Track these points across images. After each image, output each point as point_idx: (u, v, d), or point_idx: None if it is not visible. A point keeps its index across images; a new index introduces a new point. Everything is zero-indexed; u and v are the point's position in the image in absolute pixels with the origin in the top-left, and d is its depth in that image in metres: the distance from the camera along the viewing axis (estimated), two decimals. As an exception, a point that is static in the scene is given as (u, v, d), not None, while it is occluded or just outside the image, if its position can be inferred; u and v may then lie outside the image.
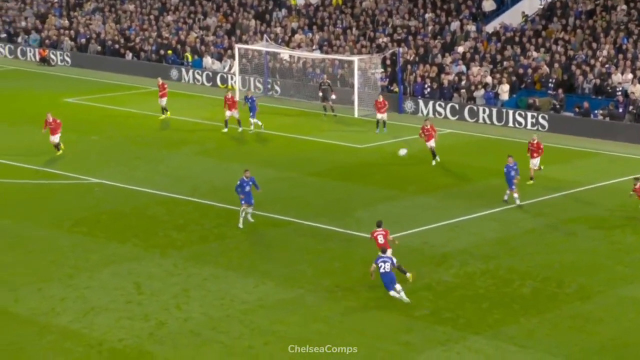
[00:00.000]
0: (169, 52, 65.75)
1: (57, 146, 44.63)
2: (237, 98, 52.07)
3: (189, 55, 65.05)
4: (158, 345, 25.88)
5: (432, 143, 43.03)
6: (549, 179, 40.69)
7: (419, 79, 55.68)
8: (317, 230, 35.25)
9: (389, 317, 27.56)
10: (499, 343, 25.84)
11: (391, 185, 40.56)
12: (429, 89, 55.11)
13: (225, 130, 49.34)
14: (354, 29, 62.60)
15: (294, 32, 64.26)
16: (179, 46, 66.13)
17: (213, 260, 32.08)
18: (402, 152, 36.46)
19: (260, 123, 49.69)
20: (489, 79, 53.93)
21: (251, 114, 49.68)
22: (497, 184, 39.27)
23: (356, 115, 53.74)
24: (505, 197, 37.69)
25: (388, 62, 57.26)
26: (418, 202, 38.41)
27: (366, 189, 40.24)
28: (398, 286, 28.04)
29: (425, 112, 53.65)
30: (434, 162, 43.20)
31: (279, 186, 40.46)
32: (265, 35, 62.47)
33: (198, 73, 63.24)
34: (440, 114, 53.60)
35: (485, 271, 31.06)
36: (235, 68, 59.94)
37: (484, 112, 52.52)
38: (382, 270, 28.24)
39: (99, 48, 69.29)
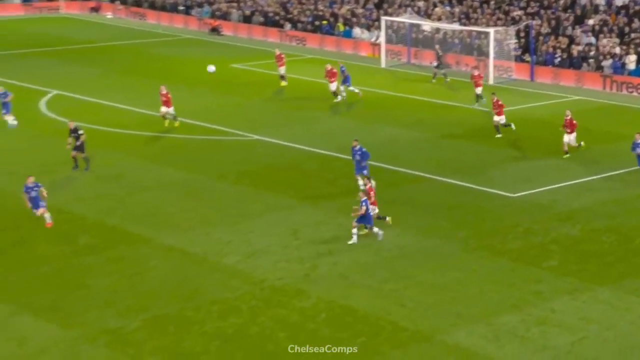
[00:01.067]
0: (324, 22, 65.85)
1: (174, 117, 42.47)
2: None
3: (340, 25, 65.02)
4: (312, 285, 26.16)
5: (500, 118, 40.87)
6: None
7: (550, 50, 54.34)
8: (452, 186, 34.95)
9: (519, 267, 27.18)
10: (623, 294, 25.19)
11: (521, 147, 39.82)
12: (559, 59, 53.74)
13: (338, 99, 47.72)
14: (490, 3, 61.39)
15: (435, 5, 63.43)
16: (331, 18, 66.15)
17: (360, 211, 32.13)
18: (210, 68, 31.77)
19: (357, 90, 48.14)
20: (617, 50, 52.24)
21: (345, 83, 48.00)
22: (621, 148, 38.15)
23: (490, 82, 52.86)
24: None
25: (522, 33, 56.03)
26: (546, 163, 37.62)
27: (497, 149, 39.60)
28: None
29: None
30: (499, 135, 40.95)
31: (418, 146, 40.25)
32: (409, 9, 61.91)
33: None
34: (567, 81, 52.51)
35: (609, 228, 30.27)
36: (382, 38, 59.63)
37: (610, 80, 51.04)
38: (371, 213, 29.11)
39: (262, 19, 69.89)
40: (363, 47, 62.38)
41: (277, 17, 68.89)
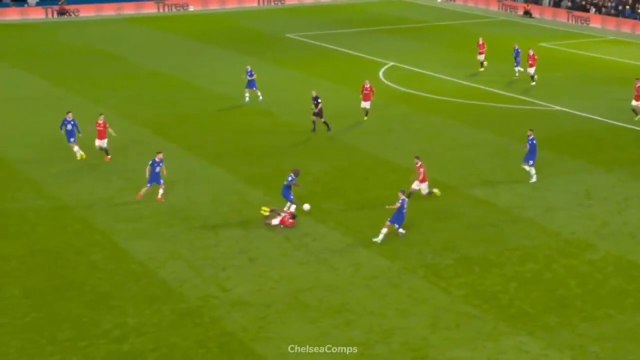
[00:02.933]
0: (627, 7, 61.41)
1: (366, 113, 37.24)
2: None
3: (640, 10, 60.49)
4: (602, 241, 24.74)
5: (638, 104, 36.24)
6: None
7: None
8: None
9: None
10: None
11: None
12: None
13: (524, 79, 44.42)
14: None
15: None
16: (637, 5, 61.59)
17: (650, 178, 29.86)
18: (306, 207, 26.20)
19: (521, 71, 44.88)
20: None
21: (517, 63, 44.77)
22: None
23: None
24: None
25: None
26: None
27: None
28: None
29: None
30: (638, 118, 36.44)
31: None
32: None
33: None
34: None
35: None
36: (679, 21, 54.69)
37: None
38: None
39: (569, 4, 66.43)
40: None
41: (583, 2, 65.15)
